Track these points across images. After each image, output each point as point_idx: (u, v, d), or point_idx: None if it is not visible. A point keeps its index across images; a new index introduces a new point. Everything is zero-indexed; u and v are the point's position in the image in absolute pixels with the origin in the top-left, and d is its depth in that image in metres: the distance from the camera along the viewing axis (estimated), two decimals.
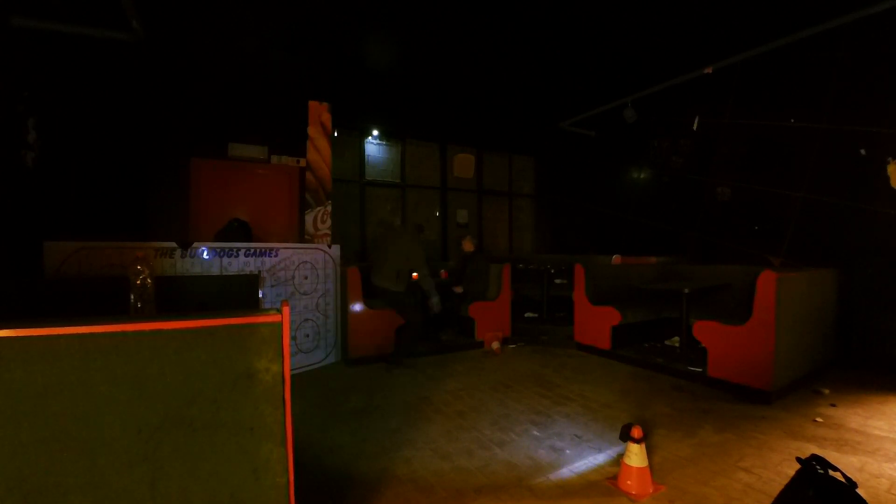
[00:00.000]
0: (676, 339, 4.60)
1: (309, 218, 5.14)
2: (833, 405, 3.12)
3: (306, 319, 4.15)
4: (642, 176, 6.55)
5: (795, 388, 3.42)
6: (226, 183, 5.44)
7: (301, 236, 5.62)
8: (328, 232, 5.19)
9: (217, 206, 5.34)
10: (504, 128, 7.65)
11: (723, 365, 3.48)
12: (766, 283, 3.22)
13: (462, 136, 7.33)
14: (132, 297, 1.95)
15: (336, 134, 5.81)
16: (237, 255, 3.69)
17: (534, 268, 6.11)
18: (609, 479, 2.13)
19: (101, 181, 4.50)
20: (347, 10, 4.44)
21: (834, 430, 2.71)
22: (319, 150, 5.17)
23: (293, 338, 4.05)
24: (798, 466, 1.60)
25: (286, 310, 1.25)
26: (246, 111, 5.50)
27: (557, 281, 6.26)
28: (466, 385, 3.62)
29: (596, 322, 4.61)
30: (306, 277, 4.14)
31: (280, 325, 1.24)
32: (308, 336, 4.16)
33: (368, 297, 4.31)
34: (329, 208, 5.18)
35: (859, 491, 1.48)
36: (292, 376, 1.30)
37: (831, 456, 2.33)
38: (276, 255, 3.92)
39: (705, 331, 3.62)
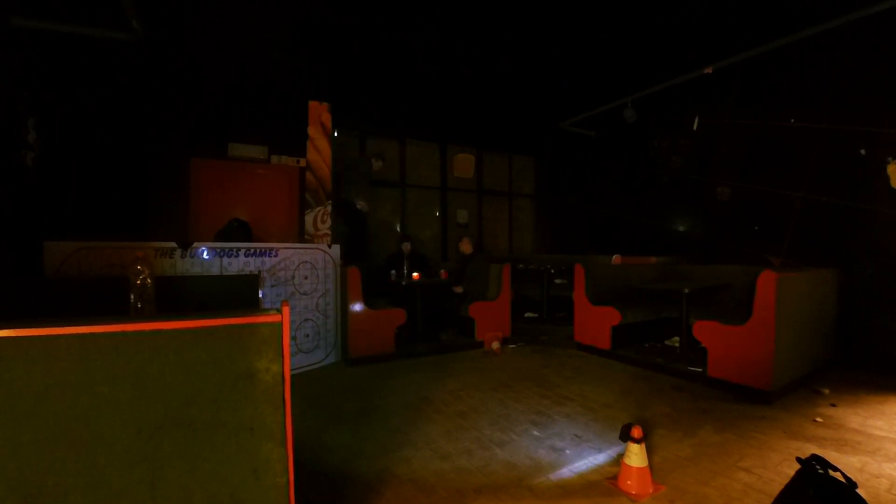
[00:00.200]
0: (676, 339, 4.60)
1: (309, 218, 5.13)
2: (833, 405, 3.12)
3: (306, 319, 4.15)
4: (642, 176, 6.55)
5: (795, 388, 3.42)
6: (226, 183, 5.44)
7: (301, 236, 5.61)
8: (328, 232, 5.18)
9: (217, 206, 5.34)
10: (504, 128, 7.64)
11: (723, 365, 3.48)
12: (766, 283, 3.22)
13: (462, 136, 7.32)
14: (132, 297, 1.96)
15: (336, 134, 5.80)
16: (237, 255, 3.69)
17: (534, 268, 6.10)
18: (609, 479, 2.13)
19: (101, 181, 4.51)
20: (347, 10, 4.44)
21: (834, 430, 2.71)
22: (319, 150, 5.16)
23: (293, 338, 4.05)
24: (798, 466, 1.60)
25: (286, 310, 1.25)
26: (246, 111, 5.50)
27: (557, 281, 6.25)
28: (466, 385, 3.62)
29: (596, 322, 4.61)
30: (306, 277, 4.14)
31: (280, 325, 1.24)
32: (308, 336, 4.16)
33: (368, 297, 4.31)
34: (329, 208, 5.18)
35: (859, 491, 1.48)
36: (292, 376, 1.30)
37: (831, 456, 2.33)
38: (276, 255, 3.92)
39: (705, 331, 3.62)
